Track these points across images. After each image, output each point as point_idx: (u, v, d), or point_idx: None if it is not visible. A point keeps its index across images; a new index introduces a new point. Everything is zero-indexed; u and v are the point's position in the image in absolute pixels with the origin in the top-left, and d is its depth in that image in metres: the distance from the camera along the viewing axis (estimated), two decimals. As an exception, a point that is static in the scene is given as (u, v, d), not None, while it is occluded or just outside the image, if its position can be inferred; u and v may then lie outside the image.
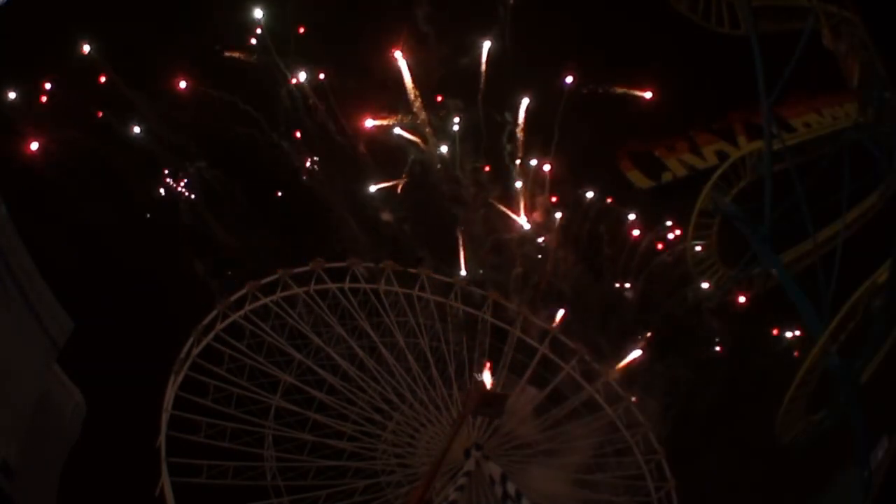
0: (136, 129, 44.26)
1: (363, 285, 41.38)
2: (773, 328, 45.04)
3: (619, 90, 44.79)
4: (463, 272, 45.12)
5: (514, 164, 46.41)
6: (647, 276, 46.62)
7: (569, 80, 45.02)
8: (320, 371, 39.35)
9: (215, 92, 43.70)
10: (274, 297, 39.65)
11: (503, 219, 47.04)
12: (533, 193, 46.82)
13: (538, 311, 43.10)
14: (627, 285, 47.34)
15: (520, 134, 45.77)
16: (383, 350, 40.39)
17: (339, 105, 44.86)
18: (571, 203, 46.56)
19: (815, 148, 35.75)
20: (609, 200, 46.96)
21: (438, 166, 46.11)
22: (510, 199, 47.04)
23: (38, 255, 34.81)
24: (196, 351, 37.51)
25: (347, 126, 45.24)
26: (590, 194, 47.39)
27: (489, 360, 41.08)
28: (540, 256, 46.51)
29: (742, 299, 41.27)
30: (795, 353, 41.63)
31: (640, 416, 40.79)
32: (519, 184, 46.75)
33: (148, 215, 45.91)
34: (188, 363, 37.28)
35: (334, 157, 45.62)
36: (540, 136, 46.21)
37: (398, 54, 44.06)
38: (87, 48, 42.62)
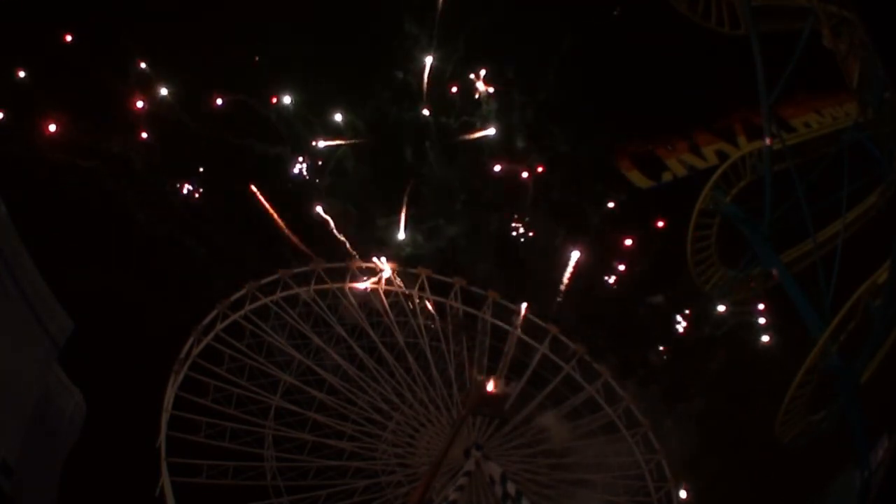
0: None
1: (363, 285, 41.42)
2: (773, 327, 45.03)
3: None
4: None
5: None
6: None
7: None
8: (320, 371, 39.40)
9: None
10: (274, 297, 39.72)
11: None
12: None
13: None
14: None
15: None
16: (383, 350, 40.44)
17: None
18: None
19: (815, 148, 35.70)
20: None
21: None
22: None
23: (38, 256, 34.83)
24: (196, 351, 37.61)
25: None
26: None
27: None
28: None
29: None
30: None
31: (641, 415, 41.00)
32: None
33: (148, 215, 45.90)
34: (188, 363, 37.37)
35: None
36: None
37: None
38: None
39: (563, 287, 43.12)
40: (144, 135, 43.71)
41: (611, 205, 45.03)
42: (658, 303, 45.45)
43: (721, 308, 41.40)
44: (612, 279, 45.79)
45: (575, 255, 43.10)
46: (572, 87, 45.26)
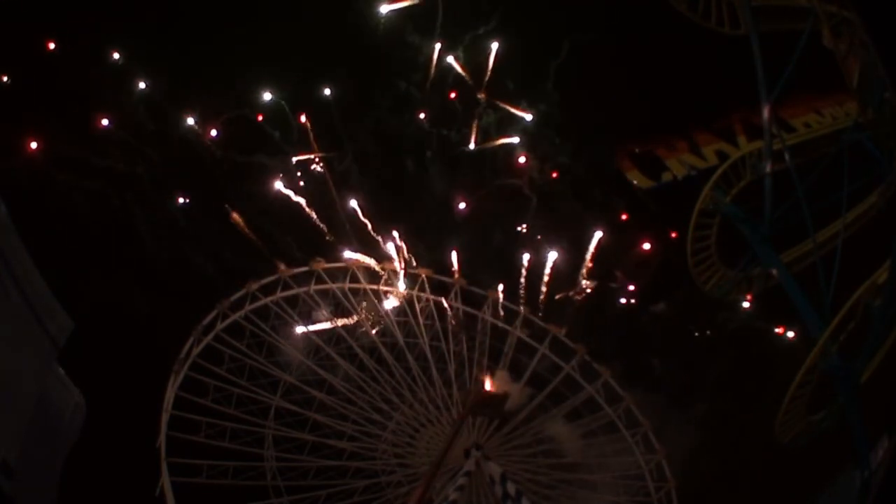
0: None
1: (363, 285, 41.44)
2: (774, 327, 45.01)
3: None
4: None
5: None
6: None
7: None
8: (320, 371, 39.42)
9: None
10: (274, 298, 39.73)
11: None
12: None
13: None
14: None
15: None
16: (383, 350, 40.46)
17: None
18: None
19: (815, 148, 35.69)
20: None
21: None
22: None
23: (38, 255, 34.81)
24: (196, 351, 37.63)
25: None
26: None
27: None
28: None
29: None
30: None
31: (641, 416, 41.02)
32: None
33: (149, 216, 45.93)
34: (188, 363, 37.39)
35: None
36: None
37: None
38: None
39: (585, 268, 43.22)
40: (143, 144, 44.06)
41: (623, 217, 45.34)
42: (662, 306, 45.57)
43: (746, 304, 41.41)
44: (615, 283, 46.00)
45: (597, 235, 43.21)
46: (572, 88, 45.36)
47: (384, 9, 42.24)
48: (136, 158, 44.02)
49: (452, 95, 45.52)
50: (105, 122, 43.30)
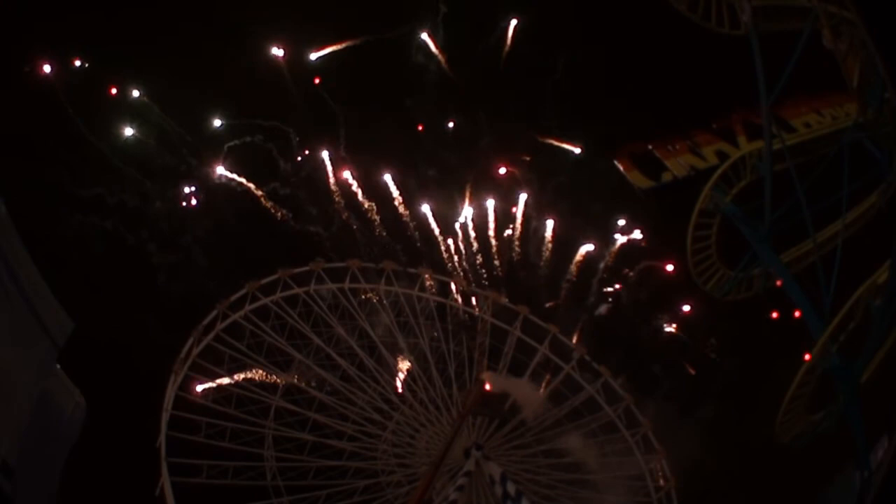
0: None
1: (363, 285, 41.46)
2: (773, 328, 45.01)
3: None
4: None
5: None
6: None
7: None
8: (320, 371, 39.42)
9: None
10: (274, 298, 39.73)
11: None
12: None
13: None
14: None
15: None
16: (383, 350, 40.46)
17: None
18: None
19: (815, 148, 35.67)
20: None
21: None
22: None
23: (38, 256, 34.86)
24: (196, 351, 37.62)
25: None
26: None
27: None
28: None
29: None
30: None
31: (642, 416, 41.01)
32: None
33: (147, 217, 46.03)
34: (188, 363, 37.39)
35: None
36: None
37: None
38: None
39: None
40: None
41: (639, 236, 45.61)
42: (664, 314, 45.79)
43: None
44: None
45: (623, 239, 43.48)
46: (573, 88, 45.44)
47: (314, 56, 43.01)
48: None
49: (451, 124, 46.03)
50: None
